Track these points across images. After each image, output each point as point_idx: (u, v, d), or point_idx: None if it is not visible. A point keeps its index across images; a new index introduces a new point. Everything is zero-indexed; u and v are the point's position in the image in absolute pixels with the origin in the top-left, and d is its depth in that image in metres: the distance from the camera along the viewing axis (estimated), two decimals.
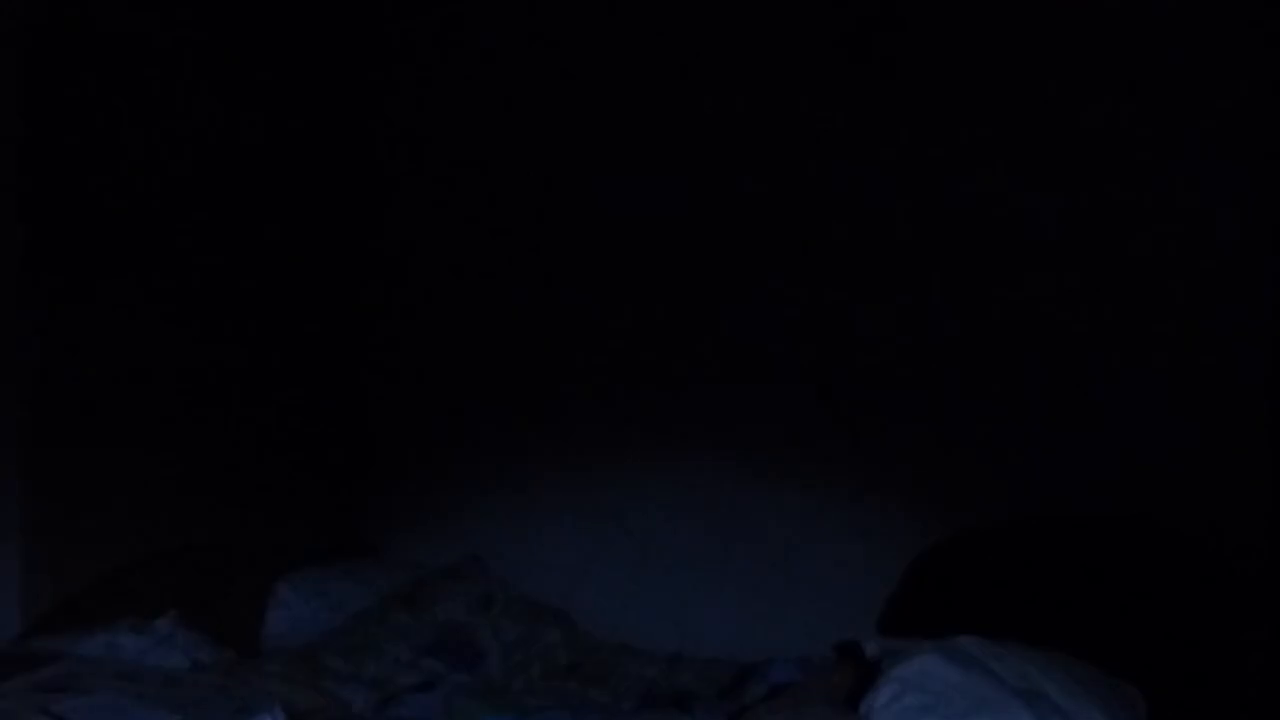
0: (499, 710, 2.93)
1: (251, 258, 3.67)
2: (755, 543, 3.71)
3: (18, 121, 2.93)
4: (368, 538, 4.04)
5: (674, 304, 3.79)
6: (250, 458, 3.66)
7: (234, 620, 3.18)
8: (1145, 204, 3.40)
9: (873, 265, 3.62)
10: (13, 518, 2.92)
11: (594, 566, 3.80)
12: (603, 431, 3.87)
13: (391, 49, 4.08)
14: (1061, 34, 3.45)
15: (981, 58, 3.52)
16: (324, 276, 3.99)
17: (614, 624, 3.66)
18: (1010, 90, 3.50)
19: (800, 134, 3.67)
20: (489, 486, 3.97)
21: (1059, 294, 3.46)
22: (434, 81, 4.04)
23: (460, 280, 4.02)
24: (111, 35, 3.17)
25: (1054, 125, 3.46)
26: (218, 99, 3.52)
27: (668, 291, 3.79)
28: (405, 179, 4.08)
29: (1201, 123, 3.35)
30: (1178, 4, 3.36)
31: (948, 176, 3.54)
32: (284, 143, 3.79)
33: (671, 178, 3.77)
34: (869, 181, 3.61)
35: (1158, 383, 3.37)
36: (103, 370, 3.17)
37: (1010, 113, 3.50)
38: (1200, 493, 3.28)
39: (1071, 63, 3.45)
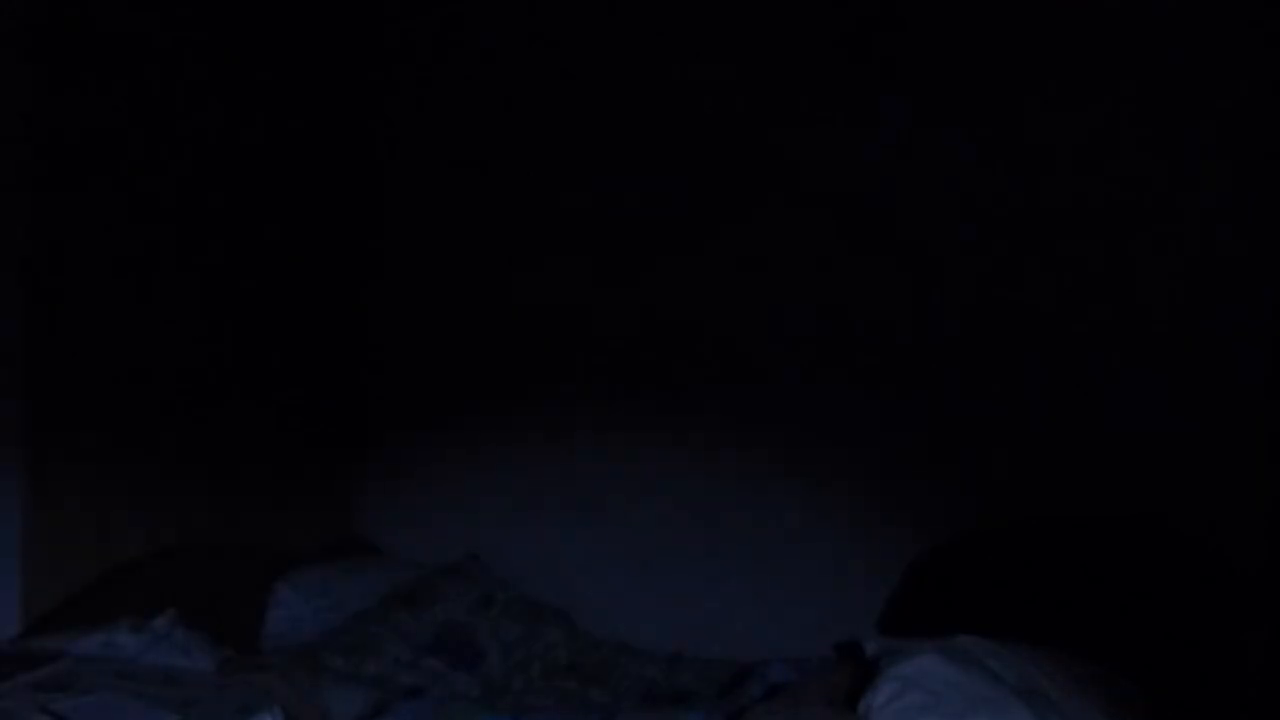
0: (494, 712, 2.94)
1: (252, 257, 3.67)
2: (755, 543, 3.71)
3: (18, 121, 2.93)
4: (367, 537, 4.05)
5: (674, 304, 3.79)
6: (250, 457, 3.66)
7: (234, 620, 3.19)
8: (1145, 204, 3.40)
9: (872, 265, 3.62)
10: (13, 517, 2.92)
11: (594, 566, 3.80)
12: (603, 431, 3.88)
13: (391, 49, 4.09)
14: (1061, 34, 3.45)
15: (981, 58, 3.52)
16: (324, 276, 3.99)
17: (614, 624, 3.66)
18: (1010, 90, 3.50)
19: (800, 134, 3.67)
20: (489, 486, 3.97)
21: (1059, 294, 3.46)
22: (434, 81, 4.04)
23: (460, 280, 4.02)
24: (112, 35, 3.16)
25: (1054, 125, 3.46)
26: (218, 99, 3.52)
27: (668, 291, 3.79)
28: (405, 179, 4.09)
29: (1201, 123, 3.35)
30: (1178, 4, 3.36)
31: (947, 176, 3.54)
32: (284, 143, 3.79)
33: (671, 177, 3.78)
34: (868, 181, 3.61)
35: (1158, 383, 3.37)
36: (103, 370, 3.16)
37: (1010, 113, 3.50)
38: (1200, 493, 3.28)
39: (1071, 63, 3.45)
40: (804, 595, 3.63)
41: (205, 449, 3.50)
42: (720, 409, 3.76)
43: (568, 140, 3.89)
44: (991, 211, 3.51)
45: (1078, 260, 3.45)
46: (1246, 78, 3.31)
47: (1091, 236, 3.44)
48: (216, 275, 3.55)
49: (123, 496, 3.23)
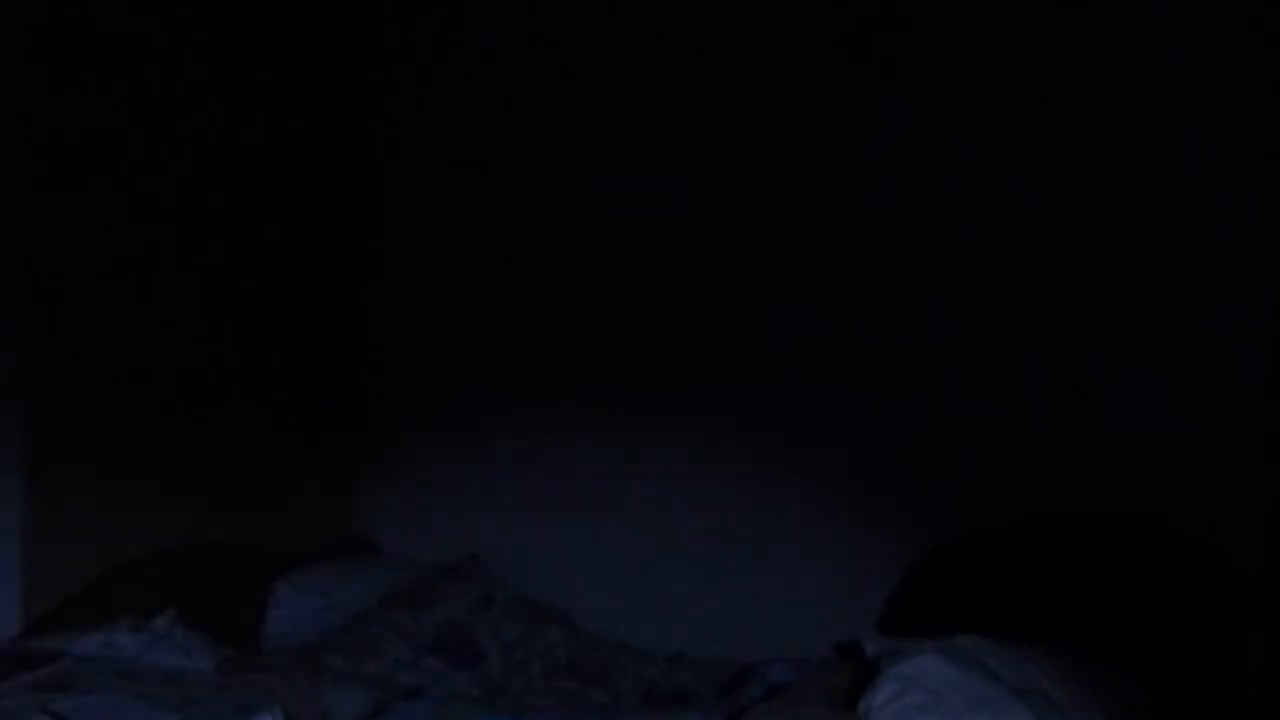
0: (494, 712, 2.94)
1: (252, 257, 3.67)
2: (755, 543, 3.71)
3: (18, 121, 2.94)
4: (367, 537, 4.05)
5: (674, 304, 3.79)
6: (250, 457, 3.66)
7: (234, 620, 3.19)
8: (1145, 204, 3.40)
9: (872, 265, 3.62)
10: (14, 517, 2.92)
11: (594, 566, 3.80)
12: (603, 431, 3.87)
13: (391, 49, 4.09)
14: (1061, 34, 3.45)
15: (981, 58, 3.52)
16: (324, 276, 3.99)
17: (614, 624, 3.66)
18: (1010, 90, 3.50)
19: (800, 134, 3.67)
20: (489, 486, 3.97)
21: (1059, 294, 3.46)
22: (434, 81, 4.04)
23: (460, 279, 4.02)
24: (112, 35, 3.17)
25: (1054, 125, 3.46)
26: (218, 99, 3.52)
27: (668, 291, 3.79)
28: (405, 179, 4.09)
29: (1201, 123, 3.35)
30: (1178, 4, 3.36)
31: (947, 176, 3.55)
32: (284, 143, 3.79)
33: (671, 177, 3.78)
34: (868, 181, 3.62)
35: (1158, 383, 3.37)
36: (103, 370, 3.17)
37: (1010, 113, 3.50)
38: (1200, 493, 3.28)
39: (1072, 63, 3.45)
40: (804, 595, 3.63)
41: (205, 449, 3.50)
42: (720, 409, 3.76)
43: (568, 140, 3.89)
44: (991, 211, 3.51)
45: (1078, 260, 3.45)
46: (1246, 78, 3.31)
47: (1091, 236, 3.44)
48: (216, 275, 3.55)
49: (123, 496, 3.23)
